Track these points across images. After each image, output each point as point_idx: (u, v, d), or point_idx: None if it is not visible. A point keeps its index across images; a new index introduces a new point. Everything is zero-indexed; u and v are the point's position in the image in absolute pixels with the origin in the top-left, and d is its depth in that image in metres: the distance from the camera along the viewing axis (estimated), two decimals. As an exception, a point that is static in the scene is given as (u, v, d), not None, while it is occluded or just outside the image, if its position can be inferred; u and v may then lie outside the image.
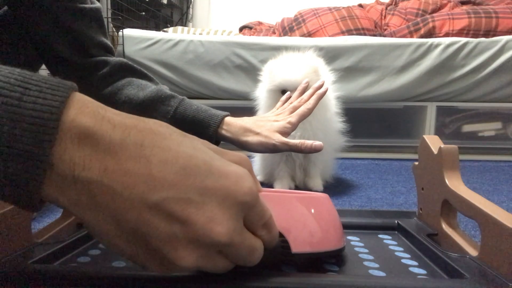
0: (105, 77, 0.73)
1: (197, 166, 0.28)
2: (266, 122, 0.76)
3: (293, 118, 0.76)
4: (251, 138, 0.73)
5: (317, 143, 0.72)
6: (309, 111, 0.78)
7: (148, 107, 0.73)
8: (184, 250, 0.27)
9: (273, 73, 1.05)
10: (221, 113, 0.75)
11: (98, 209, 0.26)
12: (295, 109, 0.79)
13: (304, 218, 0.47)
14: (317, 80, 1.03)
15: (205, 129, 0.73)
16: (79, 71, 0.73)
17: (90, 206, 0.26)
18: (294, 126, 0.76)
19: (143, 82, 0.76)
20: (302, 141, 0.72)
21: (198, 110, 0.74)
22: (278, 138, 0.72)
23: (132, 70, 0.77)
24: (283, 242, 0.43)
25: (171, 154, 0.27)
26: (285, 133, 0.74)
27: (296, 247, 0.45)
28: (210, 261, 0.30)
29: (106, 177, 0.25)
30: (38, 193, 0.25)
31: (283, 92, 1.04)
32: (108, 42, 0.78)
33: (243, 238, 0.31)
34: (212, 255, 0.30)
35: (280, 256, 0.43)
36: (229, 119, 0.75)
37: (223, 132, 0.74)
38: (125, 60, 0.77)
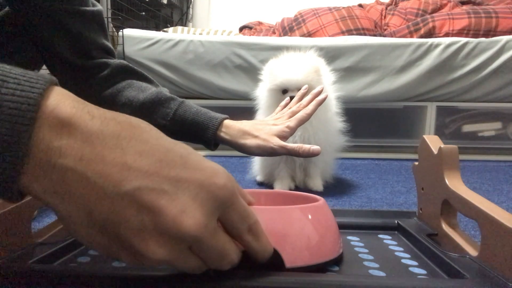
0: (105, 79, 0.74)
1: (173, 159, 0.28)
2: (264, 126, 0.77)
3: (292, 122, 0.77)
4: (250, 141, 0.73)
5: (315, 147, 0.73)
6: (308, 117, 0.79)
7: (148, 109, 0.73)
8: (154, 242, 0.27)
9: (274, 72, 1.05)
10: (220, 115, 0.76)
11: (72, 198, 0.26)
12: (294, 114, 0.80)
13: (298, 231, 0.47)
14: (318, 80, 1.03)
15: (204, 131, 0.73)
16: (80, 73, 0.73)
17: (64, 195, 0.26)
18: (292, 131, 0.77)
19: (144, 84, 0.76)
20: (300, 145, 0.73)
21: (198, 113, 0.75)
22: (277, 142, 0.73)
23: (132, 72, 0.77)
24: (276, 256, 0.43)
25: (148, 146, 0.27)
26: (283, 137, 0.75)
27: (290, 261, 0.45)
28: (181, 257, 0.29)
29: (81, 165, 0.25)
30: (16, 181, 0.25)
31: (284, 91, 1.04)
32: (109, 45, 0.78)
33: (215, 238, 0.30)
34: (183, 250, 0.29)
35: (273, 270, 0.43)
36: (228, 122, 0.76)
37: (222, 134, 0.74)
38: (125, 62, 0.77)
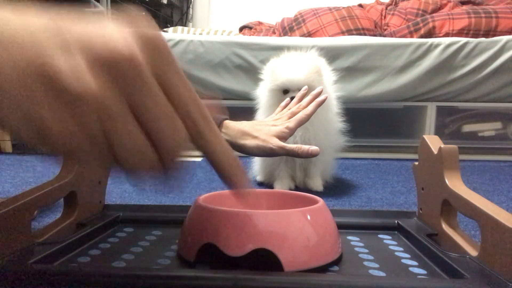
0: None
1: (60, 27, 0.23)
2: (264, 126, 0.77)
3: (291, 123, 0.77)
4: (249, 142, 0.74)
5: (314, 148, 0.74)
6: (307, 117, 0.79)
7: None
8: (51, 111, 0.22)
9: (275, 72, 1.05)
10: (220, 116, 0.77)
11: None
12: (293, 114, 0.80)
13: (297, 235, 0.47)
14: (319, 80, 1.03)
15: None
16: None
17: None
18: (291, 131, 0.77)
19: None
20: (298, 146, 0.74)
21: None
22: (276, 142, 0.73)
23: None
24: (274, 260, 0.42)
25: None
26: (282, 137, 0.75)
27: (289, 265, 0.45)
28: (88, 131, 0.23)
29: None
30: None
31: (285, 92, 1.04)
32: None
33: (124, 118, 0.24)
34: (90, 122, 0.23)
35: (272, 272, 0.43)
36: (228, 123, 0.77)
37: (222, 135, 0.75)
38: None
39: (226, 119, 0.78)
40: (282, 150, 0.73)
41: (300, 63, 1.03)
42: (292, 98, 1.02)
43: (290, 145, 0.74)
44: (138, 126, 0.25)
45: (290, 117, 0.80)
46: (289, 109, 0.85)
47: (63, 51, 0.23)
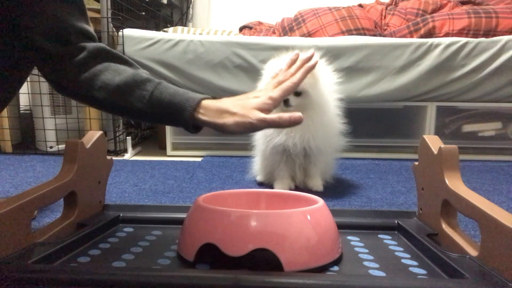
0: (81, 62, 0.70)
1: None
2: (244, 100, 0.71)
3: (275, 93, 0.70)
4: (228, 120, 0.68)
5: (296, 115, 0.66)
6: (294, 86, 0.72)
7: (124, 92, 0.70)
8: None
9: (272, 75, 1.04)
10: (198, 96, 0.71)
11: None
12: (280, 83, 0.73)
13: (297, 235, 0.47)
14: (314, 84, 1.03)
15: (181, 113, 0.69)
16: (56, 58, 0.70)
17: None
18: (275, 102, 0.70)
19: (121, 67, 0.73)
20: (280, 115, 0.67)
21: (175, 94, 0.70)
22: (255, 115, 0.67)
23: (110, 55, 0.74)
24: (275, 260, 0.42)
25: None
26: (265, 109, 0.69)
27: (289, 265, 0.45)
28: None
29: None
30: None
31: None
32: (90, 29, 0.75)
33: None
34: None
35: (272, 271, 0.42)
36: (206, 102, 0.71)
37: (200, 116, 0.69)
38: (103, 45, 0.74)
39: (206, 98, 0.71)
40: (262, 123, 0.67)
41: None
42: (285, 101, 1.02)
43: (271, 116, 0.67)
44: None
45: (276, 87, 0.73)
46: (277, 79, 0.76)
47: None
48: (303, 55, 0.76)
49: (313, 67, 0.75)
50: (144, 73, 0.74)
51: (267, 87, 0.75)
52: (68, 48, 0.71)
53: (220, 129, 0.69)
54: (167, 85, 0.72)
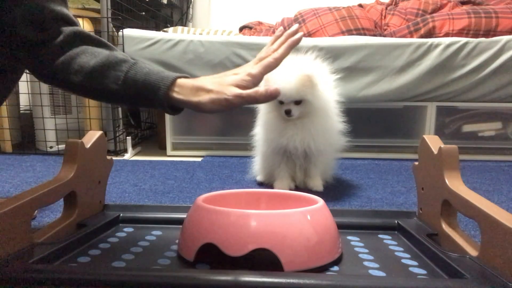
0: (58, 47, 0.69)
1: None
2: (222, 77, 0.68)
3: (255, 69, 0.66)
4: (203, 97, 0.64)
5: (272, 88, 0.63)
6: (276, 62, 0.68)
7: (99, 74, 0.67)
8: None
9: (268, 83, 1.03)
10: (173, 74, 0.67)
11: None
12: (261, 60, 0.69)
13: (297, 235, 0.47)
14: (312, 91, 1.01)
15: (155, 93, 0.66)
16: (34, 44, 0.68)
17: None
18: (255, 79, 0.66)
19: (98, 49, 0.70)
20: (256, 89, 0.64)
21: (149, 73, 0.67)
22: (231, 91, 0.63)
23: (88, 38, 0.71)
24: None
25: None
26: (244, 86, 0.65)
27: (289, 265, 0.45)
28: None
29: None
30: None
31: (281, 102, 1.04)
32: (69, 14, 0.73)
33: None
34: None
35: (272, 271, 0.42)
36: (182, 80, 0.67)
37: (175, 94, 0.66)
38: (81, 29, 0.72)
39: (183, 76, 0.68)
40: (238, 99, 0.63)
41: (291, 75, 1.00)
42: (287, 112, 1.01)
43: (247, 91, 0.64)
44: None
45: (257, 63, 0.68)
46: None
47: None
48: (288, 30, 0.71)
49: (297, 42, 0.71)
50: (120, 54, 0.70)
51: (248, 64, 0.71)
52: (46, 33, 0.68)
53: (196, 108, 0.65)
54: (142, 65, 0.69)
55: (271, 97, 0.64)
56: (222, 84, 0.65)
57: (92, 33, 0.73)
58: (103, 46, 0.72)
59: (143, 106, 0.72)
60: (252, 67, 0.67)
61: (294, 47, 0.70)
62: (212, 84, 0.65)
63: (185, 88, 0.66)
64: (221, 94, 0.64)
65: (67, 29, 0.70)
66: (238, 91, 0.64)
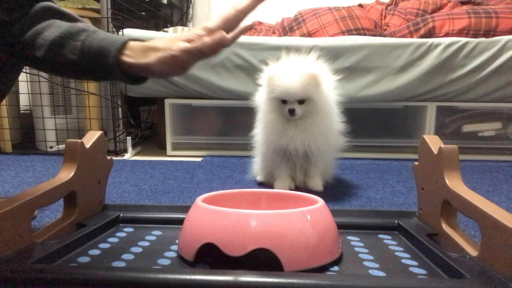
0: (26, 23, 0.66)
1: None
2: (175, 36, 0.63)
3: (212, 22, 0.61)
4: (151, 58, 0.60)
5: (218, 35, 0.59)
6: (237, 13, 0.62)
7: (59, 46, 0.64)
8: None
9: (272, 83, 1.04)
10: (126, 38, 0.63)
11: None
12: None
13: (297, 235, 0.47)
14: (317, 90, 1.02)
15: (106, 58, 0.61)
16: (6, 24, 0.66)
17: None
18: (210, 31, 0.60)
19: (64, 23, 0.67)
20: (202, 39, 0.60)
21: (104, 39, 0.63)
22: (177, 46, 0.58)
23: (58, 13, 0.68)
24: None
25: None
26: (197, 41, 0.60)
27: (289, 265, 0.45)
28: None
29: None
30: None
31: (284, 101, 1.04)
32: None
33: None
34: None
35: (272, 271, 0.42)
36: (133, 43, 0.62)
37: (125, 58, 0.61)
38: (51, 4, 0.69)
39: (138, 40, 0.64)
40: (185, 54, 0.59)
41: (296, 74, 1.01)
42: (291, 110, 1.01)
43: (193, 45, 0.59)
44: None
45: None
46: None
47: None
48: None
49: None
50: (82, 25, 0.67)
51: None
52: (18, 12, 0.66)
53: (146, 71, 0.61)
54: (101, 32, 0.65)
55: (218, 45, 0.59)
56: (172, 40, 0.60)
57: (65, 9, 0.70)
58: (71, 20, 0.68)
59: (101, 78, 0.67)
60: (210, 22, 0.61)
61: (262, 2, 0.65)
62: (162, 43, 0.61)
63: (135, 50, 0.61)
64: (168, 51, 0.59)
65: (38, 5, 0.67)
66: (185, 44, 0.59)
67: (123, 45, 0.61)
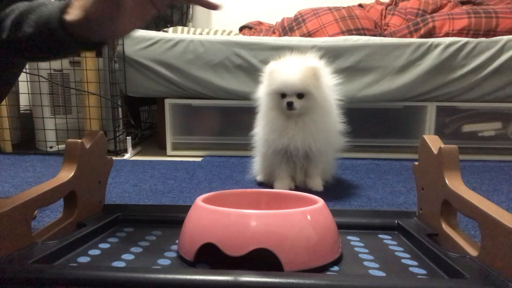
0: None
1: None
2: None
3: None
4: (86, 2, 0.56)
5: None
6: None
7: (19, 22, 0.62)
8: None
9: (272, 77, 1.05)
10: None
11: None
12: None
13: (297, 235, 0.47)
14: (316, 84, 1.03)
15: (51, 22, 0.58)
16: None
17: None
18: None
19: (27, 2, 0.64)
20: None
21: (54, 5, 0.61)
22: None
23: None
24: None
25: None
26: None
27: (289, 265, 0.45)
28: None
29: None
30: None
31: (283, 95, 1.04)
32: None
33: None
34: None
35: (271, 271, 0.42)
36: (78, 1, 0.58)
37: (68, 17, 0.57)
38: None
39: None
40: None
41: (296, 68, 1.02)
42: (289, 103, 1.02)
43: None
44: None
45: None
46: None
47: None
48: None
49: None
50: (49, 1, 0.64)
51: None
52: None
53: (86, 22, 0.57)
54: (58, 3, 0.61)
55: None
56: None
57: None
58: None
59: (57, 50, 0.64)
60: None
61: None
62: None
63: (76, 6, 0.57)
64: None
65: None
66: None
67: (67, 4, 0.58)
